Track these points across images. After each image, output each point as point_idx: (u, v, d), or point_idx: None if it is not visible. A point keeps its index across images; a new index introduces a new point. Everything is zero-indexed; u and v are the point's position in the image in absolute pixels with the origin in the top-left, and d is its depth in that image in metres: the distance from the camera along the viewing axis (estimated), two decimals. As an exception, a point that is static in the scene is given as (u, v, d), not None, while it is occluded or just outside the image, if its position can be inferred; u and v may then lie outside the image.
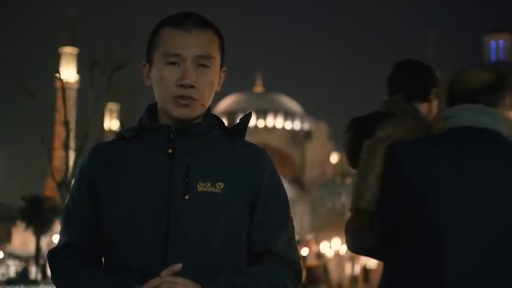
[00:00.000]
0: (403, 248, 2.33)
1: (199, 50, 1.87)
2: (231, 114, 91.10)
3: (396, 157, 2.36)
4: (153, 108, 1.96)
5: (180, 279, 1.72)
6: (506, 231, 2.20)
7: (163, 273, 1.74)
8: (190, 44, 1.86)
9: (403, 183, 2.33)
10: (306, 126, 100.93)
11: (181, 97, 1.85)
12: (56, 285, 1.94)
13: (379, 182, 2.49)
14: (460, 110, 2.34)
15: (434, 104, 2.83)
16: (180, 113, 1.87)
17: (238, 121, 1.96)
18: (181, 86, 1.85)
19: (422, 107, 2.84)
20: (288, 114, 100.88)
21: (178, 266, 1.74)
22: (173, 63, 1.86)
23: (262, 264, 1.87)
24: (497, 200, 2.21)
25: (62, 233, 1.97)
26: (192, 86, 1.85)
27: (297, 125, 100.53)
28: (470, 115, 2.31)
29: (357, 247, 2.63)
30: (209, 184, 1.85)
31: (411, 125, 2.67)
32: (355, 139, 2.81)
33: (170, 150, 1.87)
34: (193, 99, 1.86)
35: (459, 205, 2.23)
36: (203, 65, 1.87)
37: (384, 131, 2.68)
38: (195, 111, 1.88)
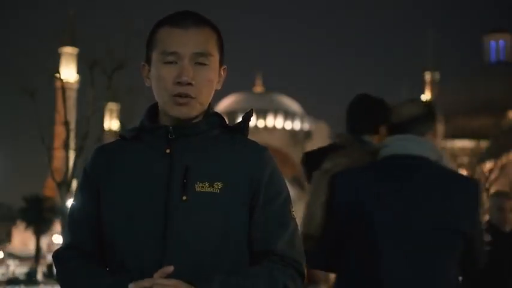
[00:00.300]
0: (347, 262, 2.73)
1: (197, 48, 1.86)
2: (231, 114, 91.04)
3: (337, 185, 2.75)
4: (153, 108, 1.96)
5: (172, 281, 1.72)
6: (432, 244, 2.56)
7: (156, 275, 1.73)
8: (187, 41, 1.86)
9: (344, 207, 2.71)
10: (306, 126, 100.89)
11: (179, 95, 1.84)
12: (60, 286, 1.94)
13: (324, 208, 2.81)
14: (393, 140, 2.71)
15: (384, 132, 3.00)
16: (178, 112, 1.86)
17: (240, 119, 1.95)
18: (179, 83, 1.84)
19: (374, 139, 3.09)
20: (288, 114, 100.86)
21: (170, 268, 1.73)
22: (171, 62, 1.85)
23: (262, 264, 1.85)
24: (424, 216, 2.57)
25: (66, 234, 1.98)
26: (190, 84, 1.84)
27: (297, 125, 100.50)
28: (401, 144, 2.67)
29: (312, 264, 2.87)
30: (207, 184, 1.84)
31: (356, 156, 2.95)
32: (307, 171, 3.15)
33: (168, 151, 1.87)
34: (191, 98, 1.85)
35: (393, 223, 2.59)
36: (201, 63, 1.86)
37: (330, 162, 2.97)
38: (193, 110, 1.87)
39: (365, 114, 3.17)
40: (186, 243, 1.81)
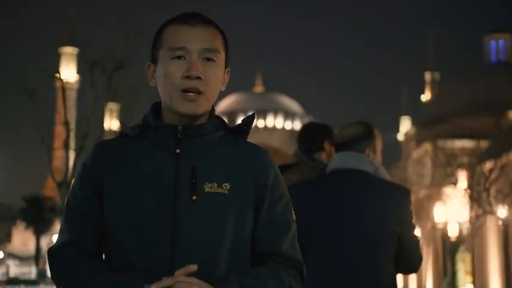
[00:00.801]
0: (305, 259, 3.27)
1: (205, 43, 1.87)
2: (231, 114, 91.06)
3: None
4: (157, 107, 1.95)
5: (194, 280, 1.71)
6: (369, 242, 3.06)
7: (178, 272, 1.72)
8: (195, 37, 1.87)
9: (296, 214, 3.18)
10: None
11: (187, 90, 1.84)
12: (56, 284, 1.90)
13: None
14: (337, 157, 3.24)
15: (331, 150, 3.72)
16: (185, 107, 1.85)
17: (240, 122, 1.96)
18: (188, 77, 1.84)
19: (322, 155, 3.74)
20: (288, 114, 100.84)
21: (194, 267, 1.73)
22: (179, 57, 1.86)
23: (269, 266, 1.87)
24: (362, 218, 3.07)
25: (63, 230, 1.94)
26: (199, 78, 1.84)
27: (297, 125, 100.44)
28: (343, 160, 3.19)
29: None
30: (216, 185, 1.84)
31: (306, 171, 3.54)
32: None
33: (178, 150, 1.86)
34: (200, 93, 1.85)
35: (336, 224, 3.10)
36: (209, 59, 1.87)
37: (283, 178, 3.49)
38: (201, 107, 1.87)
39: (312, 136, 3.83)
40: (196, 244, 1.81)
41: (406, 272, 3.29)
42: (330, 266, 3.08)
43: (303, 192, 3.16)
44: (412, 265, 3.21)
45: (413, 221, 3.16)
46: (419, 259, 3.21)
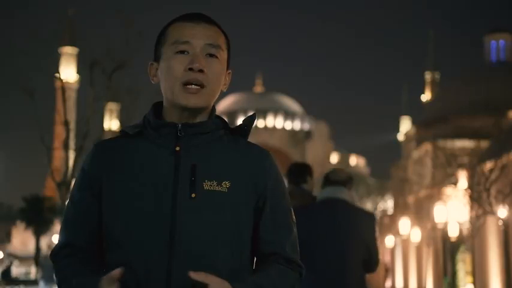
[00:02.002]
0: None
1: (208, 39, 1.88)
2: (231, 114, 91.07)
3: None
4: (158, 107, 1.95)
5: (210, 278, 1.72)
6: (347, 253, 4.28)
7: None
8: (199, 33, 1.89)
9: None
10: (306, 126, 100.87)
11: (189, 82, 1.85)
12: (57, 285, 1.92)
13: None
14: (328, 189, 4.53)
15: (312, 182, 5.27)
16: (188, 100, 1.85)
17: (242, 122, 1.96)
18: (190, 70, 1.85)
19: (307, 186, 5.13)
20: (288, 114, 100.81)
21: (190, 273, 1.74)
22: (182, 52, 1.87)
23: (275, 267, 1.88)
24: (342, 235, 4.32)
25: (62, 232, 1.95)
26: (201, 71, 1.85)
27: (297, 125, 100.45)
28: (332, 192, 4.51)
29: None
30: (215, 183, 1.84)
31: (298, 199, 4.64)
32: None
33: (178, 148, 1.86)
34: (202, 87, 1.85)
35: (323, 240, 4.29)
36: (212, 55, 1.88)
37: None
38: (203, 100, 1.87)
39: (300, 172, 5.22)
40: (195, 242, 1.80)
41: (370, 272, 4.41)
42: (319, 274, 4.17)
43: (301, 215, 3.81)
44: (374, 267, 4.40)
45: (377, 234, 4.43)
46: (377, 263, 4.41)
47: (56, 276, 1.91)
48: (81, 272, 1.84)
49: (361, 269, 4.33)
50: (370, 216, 4.48)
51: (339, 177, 4.63)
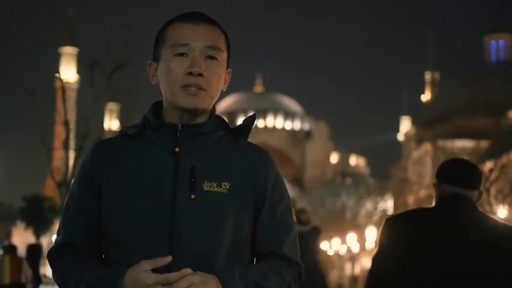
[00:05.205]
0: None
1: (208, 41, 1.86)
2: (231, 114, 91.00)
3: None
4: (157, 107, 1.95)
5: (194, 275, 1.71)
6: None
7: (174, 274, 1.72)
8: (199, 35, 1.86)
9: None
10: (306, 126, 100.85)
11: (189, 86, 1.84)
12: (56, 283, 1.92)
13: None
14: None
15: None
16: (187, 102, 1.84)
17: (242, 122, 1.96)
18: (190, 74, 1.83)
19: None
20: (288, 114, 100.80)
21: (188, 271, 1.73)
22: (181, 54, 1.85)
23: (269, 263, 1.87)
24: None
25: (60, 231, 1.95)
26: (201, 75, 1.84)
27: (297, 125, 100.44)
28: None
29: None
30: (215, 184, 1.84)
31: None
32: None
33: (177, 149, 1.86)
34: (201, 89, 1.84)
35: None
36: (211, 57, 1.87)
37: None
38: (202, 102, 1.86)
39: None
40: (194, 242, 1.80)
41: None
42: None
43: None
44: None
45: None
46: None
47: (56, 274, 1.90)
48: (94, 266, 1.83)
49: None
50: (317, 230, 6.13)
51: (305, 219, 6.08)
